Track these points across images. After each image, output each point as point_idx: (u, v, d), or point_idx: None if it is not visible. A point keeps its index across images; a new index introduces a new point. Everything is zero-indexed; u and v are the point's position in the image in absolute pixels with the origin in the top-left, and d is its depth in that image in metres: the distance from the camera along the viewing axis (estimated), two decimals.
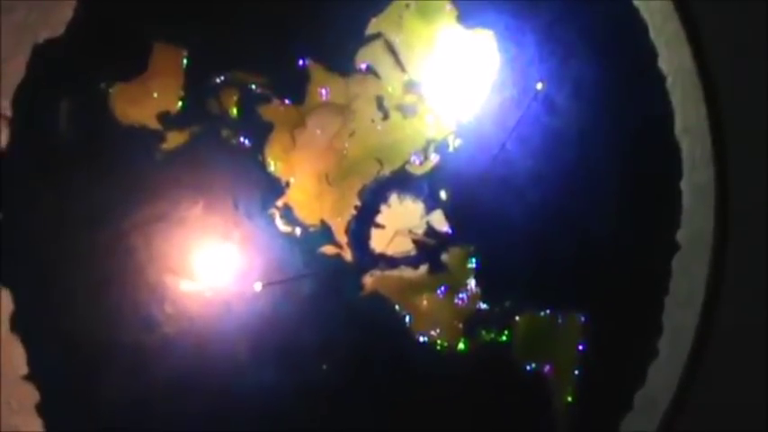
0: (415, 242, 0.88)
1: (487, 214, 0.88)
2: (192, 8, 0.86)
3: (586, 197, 0.88)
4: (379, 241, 0.88)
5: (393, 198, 0.89)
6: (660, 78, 0.87)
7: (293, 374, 0.86)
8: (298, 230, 0.87)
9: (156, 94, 0.86)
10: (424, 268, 0.88)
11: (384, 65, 0.87)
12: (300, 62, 0.87)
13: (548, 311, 0.89)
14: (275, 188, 0.87)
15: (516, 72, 0.88)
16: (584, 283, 0.89)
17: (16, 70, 0.84)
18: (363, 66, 0.87)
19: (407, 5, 0.87)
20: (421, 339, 0.88)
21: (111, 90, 0.86)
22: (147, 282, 0.85)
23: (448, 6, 0.87)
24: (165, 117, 0.86)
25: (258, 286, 0.86)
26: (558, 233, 0.88)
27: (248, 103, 0.87)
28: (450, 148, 0.88)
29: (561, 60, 0.88)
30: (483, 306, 0.89)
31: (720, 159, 0.86)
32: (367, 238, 0.88)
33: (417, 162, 0.88)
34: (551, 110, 0.88)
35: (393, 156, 0.88)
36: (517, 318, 0.89)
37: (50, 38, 0.84)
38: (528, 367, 0.89)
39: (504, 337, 0.89)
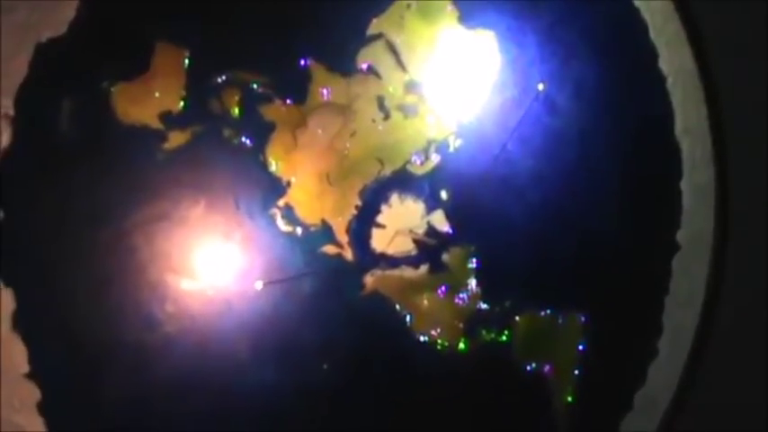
0: (416, 242, 0.88)
1: (488, 214, 0.89)
2: (194, 8, 0.86)
3: (587, 197, 0.88)
4: (379, 241, 0.88)
5: (394, 198, 0.89)
6: (661, 79, 0.87)
7: (294, 373, 0.86)
8: (299, 230, 0.88)
9: (157, 94, 0.86)
10: (424, 268, 0.89)
11: (385, 65, 0.88)
12: (302, 62, 0.87)
13: (548, 311, 0.89)
14: (276, 188, 0.87)
15: (517, 73, 0.88)
16: (585, 283, 0.89)
17: (19, 69, 0.84)
18: (365, 66, 0.87)
19: (409, 6, 0.87)
20: (421, 339, 0.89)
21: (113, 89, 0.86)
22: (148, 281, 0.86)
23: (449, 7, 0.88)
24: (166, 117, 0.86)
25: (259, 285, 0.86)
26: (559, 233, 0.88)
27: (250, 103, 0.87)
28: (451, 149, 0.88)
29: (562, 61, 0.88)
30: (483, 306, 0.89)
31: (721, 160, 0.86)
32: (368, 237, 0.88)
33: (418, 162, 0.88)
34: (552, 110, 0.88)
35: (394, 156, 0.88)
36: (517, 317, 0.89)
37: (53, 37, 0.85)
38: (528, 367, 0.89)
39: (504, 337, 0.89)
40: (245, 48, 0.87)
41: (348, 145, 0.88)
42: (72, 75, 0.86)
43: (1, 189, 0.84)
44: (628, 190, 0.89)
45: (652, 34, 0.88)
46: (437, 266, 0.89)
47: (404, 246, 0.88)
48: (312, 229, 0.88)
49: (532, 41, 0.88)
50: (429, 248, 0.88)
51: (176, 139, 0.87)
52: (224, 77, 0.87)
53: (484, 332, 0.89)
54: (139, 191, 0.86)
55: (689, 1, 0.85)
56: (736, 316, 0.86)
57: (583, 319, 0.89)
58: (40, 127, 0.85)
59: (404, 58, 0.88)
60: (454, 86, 0.88)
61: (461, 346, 0.89)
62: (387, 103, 0.88)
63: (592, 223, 0.89)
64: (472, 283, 0.89)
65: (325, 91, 0.87)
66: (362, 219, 0.88)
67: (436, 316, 0.89)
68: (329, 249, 0.88)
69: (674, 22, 0.86)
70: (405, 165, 0.88)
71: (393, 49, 0.87)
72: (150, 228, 0.86)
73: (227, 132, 0.87)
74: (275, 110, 0.88)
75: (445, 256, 0.89)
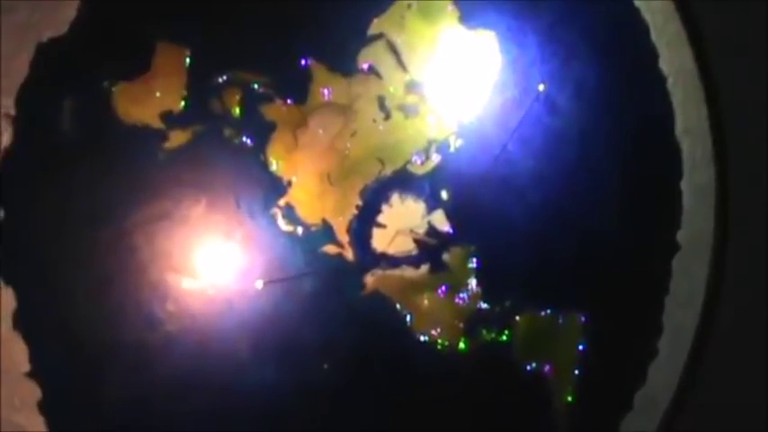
0: (417, 242, 0.88)
1: (488, 214, 0.89)
2: (195, 8, 0.86)
3: (587, 197, 0.88)
4: (380, 241, 0.88)
5: (394, 198, 0.89)
6: (661, 79, 0.87)
7: (294, 373, 0.86)
8: (299, 230, 0.88)
9: (158, 94, 0.86)
10: (425, 268, 0.89)
11: (386, 65, 0.88)
12: (303, 62, 0.87)
13: (548, 311, 0.89)
14: (277, 187, 0.88)
15: (518, 73, 0.88)
16: (585, 283, 0.89)
17: (20, 69, 0.84)
18: (365, 66, 0.87)
19: (409, 6, 0.87)
20: (422, 338, 0.89)
21: (114, 89, 0.86)
22: (149, 280, 0.86)
23: (450, 7, 0.88)
24: (167, 116, 0.87)
25: (260, 284, 0.86)
26: (559, 233, 0.89)
27: (251, 103, 0.87)
28: (452, 149, 0.88)
29: (563, 61, 0.88)
30: (483, 306, 0.89)
31: (721, 160, 0.87)
32: (368, 237, 0.88)
33: (419, 162, 0.89)
34: (553, 110, 0.88)
35: (395, 156, 0.88)
36: (517, 317, 0.89)
37: (54, 37, 0.85)
38: (528, 367, 0.89)
39: (504, 337, 0.89)
40: (245, 48, 0.87)
41: (349, 145, 0.88)
42: (73, 74, 0.86)
43: (2, 188, 0.84)
44: (628, 190, 0.89)
45: (653, 34, 0.88)
46: (437, 266, 0.89)
47: (404, 245, 0.88)
48: (313, 228, 0.88)
49: (533, 42, 0.88)
50: (429, 248, 0.89)
51: (177, 138, 0.87)
52: (225, 77, 0.87)
53: (484, 332, 0.89)
54: (140, 190, 0.86)
55: (690, 1, 0.85)
56: (736, 316, 0.86)
57: (583, 319, 0.89)
58: (42, 126, 0.86)
59: (404, 58, 0.88)
60: (455, 86, 0.88)
61: (462, 345, 0.89)
62: (387, 103, 0.88)
63: (592, 223, 0.89)
64: (472, 282, 0.89)
65: (325, 91, 0.88)
66: (363, 218, 0.88)
67: (436, 316, 0.89)
68: (330, 249, 0.88)
69: (675, 22, 0.86)
70: (405, 165, 0.88)
71: (394, 49, 0.88)
72: (151, 227, 0.86)
73: (227, 132, 0.87)
74: (276, 110, 0.88)
75: (446, 256, 0.89)
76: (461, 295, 0.89)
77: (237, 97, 0.87)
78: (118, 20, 0.86)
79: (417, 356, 0.88)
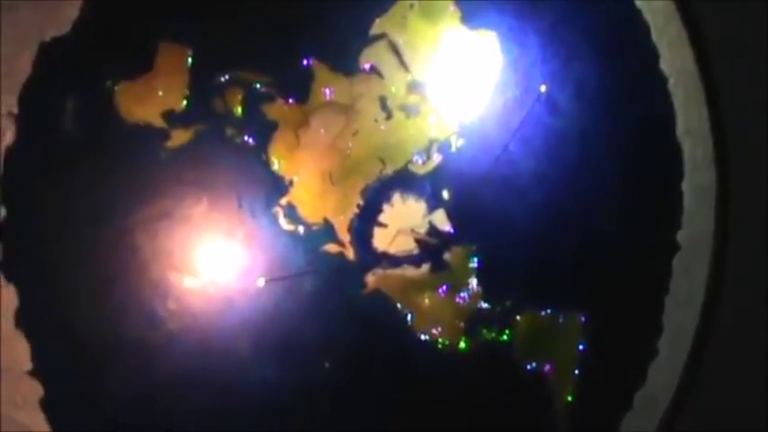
0: (418, 241, 0.89)
1: (489, 214, 0.89)
2: (198, 8, 0.87)
3: (588, 198, 0.89)
4: (381, 240, 0.89)
5: (396, 197, 0.89)
6: (662, 80, 0.87)
7: (295, 371, 0.86)
8: (301, 229, 0.88)
9: (161, 93, 0.87)
10: (425, 267, 0.89)
11: (388, 65, 0.88)
12: (305, 62, 0.87)
13: (548, 311, 0.89)
14: (279, 186, 0.88)
15: (519, 73, 0.88)
16: (585, 283, 0.89)
17: (23, 68, 0.85)
18: (367, 66, 0.88)
19: (411, 6, 0.88)
20: (422, 338, 0.89)
21: (116, 88, 0.86)
22: (150, 278, 0.86)
23: (451, 7, 0.88)
24: (169, 115, 0.87)
25: (261, 282, 0.87)
26: (560, 233, 0.89)
27: (253, 102, 0.87)
28: (453, 148, 0.88)
29: (564, 61, 0.88)
30: (484, 305, 0.89)
31: (722, 161, 0.87)
32: (369, 236, 0.89)
33: (420, 162, 0.89)
34: (554, 110, 0.88)
35: (396, 155, 0.88)
36: (518, 317, 0.89)
37: (56, 36, 0.85)
38: (528, 366, 0.89)
39: (504, 337, 0.89)
40: (247, 47, 0.87)
41: (350, 144, 0.88)
42: (76, 73, 0.86)
43: (4, 187, 0.84)
44: (629, 190, 0.89)
45: (654, 35, 0.88)
46: (438, 266, 0.89)
47: (405, 245, 0.89)
48: (314, 227, 0.88)
49: (534, 42, 0.88)
50: (430, 248, 0.89)
51: (179, 137, 0.87)
52: (227, 77, 0.87)
53: (485, 331, 0.89)
54: (142, 189, 0.87)
55: (691, 2, 0.86)
56: (736, 316, 0.86)
57: (583, 318, 0.89)
58: (44, 125, 0.86)
59: (406, 58, 0.88)
60: (456, 86, 0.88)
61: (462, 345, 0.89)
62: (389, 102, 0.88)
63: (593, 223, 0.89)
64: (473, 282, 0.89)
65: (327, 90, 0.88)
66: (364, 218, 0.89)
67: (437, 315, 0.89)
68: (331, 248, 0.88)
69: (676, 23, 0.86)
70: (407, 164, 0.89)
71: (395, 50, 0.88)
72: (153, 226, 0.86)
73: (229, 131, 0.87)
74: (278, 109, 0.88)
75: (446, 256, 0.89)
76: (462, 295, 0.89)
77: (239, 97, 0.87)
78: (120, 19, 0.86)
79: (418, 355, 0.88)
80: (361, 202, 0.89)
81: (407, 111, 0.88)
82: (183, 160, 0.87)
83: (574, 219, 0.88)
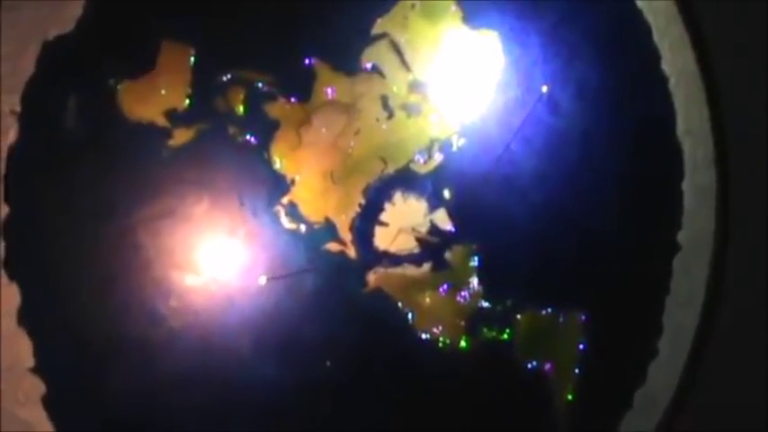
0: (419, 240, 0.89)
1: (490, 213, 0.89)
2: (200, 8, 0.87)
3: (589, 197, 0.89)
4: (382, 239, 0.89)
5: (397, 196, 0.89)
6: (663, 80, 0.88)
7: (296, 369, 0.87)
8: (302, 227, 0.88)
9: (163, 92, 0.87)
10: (426, 266, 0.89)
11: (389, 64, 0.88)
12: (307, 61, 0.88)
13: (549, 310, 0.89)
14: (280, 185, 0.88)
15: (520, 73, 0.89)
16: (586, 283, 0.89)
17: (26, 66, 0.85)
18: (369, 65, 0.88)
19: (413, 6, 0.88)
20: (423, 336, 0.89)
21: (119, 87, 0.86)
22: (152, 276, 0.86)
23: (453, 7, 0.88)
24: (172, 114, 0.87)
25: (262, 280, 0.87)
26: (561, 233, 0.89)
27: (255, 101, 0.88)
28: (454, 148, 0.89)
29: (565, 61, 0.88)
30: (485, 304, 0.89)
31: (722, 162, 0.87)
32: (371, 235, 0.89)
33: (421, 161, 0.89)
34: (555, 110, 0.89)
35: (397, 154, 0.89)
36: (519, 316, 0.89)
37: (60, 34, 0.85)
38: (529, 365, 0.89)
39: (505, 336, 0.89)
40: (250, 47, 0.88)
41: (352, 143, 0.88)
42: (78, 72, 0.86)
43: (7, 185, 0.85)
44: (629, 190, 0.89)
45: (655, 36, 0.88)
46: (439, 265, 0.89)
47: (406, 244, 0.89)
48: (315, 226, 0.88)
49: (536, 42, 0.88)
50: (431, 247, 0.89)
51: (181, 136, 0.87)
52: (229, 76, 0.88)
53: (485, 330, 0.89)
54: (144, 187, 0.87)
55: (692, 3, 0.86)
56: (736, 316, 0.86)
57: (583, 318, 0.89)
58: (46, 124, 0.86)
59: (408, 57, 0.88)
60: (458, 86, 0.88)
61: (463, 343, 0.89)
62: (391, 102, 0.88)
63: (593, 223, 0.89)
64: (474, 281, 0.89)
65: (329, 90, 0.88)
66: (366, 217, 0.89)
67: (438, 314, 0.89)
68: (332, 247, 0.88)
69: (678, 24, 0.86)
70: (408, 163, 0.89)
71: (397, 49, 0.88)
72: (155, 224, 0.87)
73: (231, 130, 0.88)
74: (280, 108, 0.88)
75: (447, 255, 0.89)
76: (463, 294, 0.89)
77: (241, 96, 0.88)
78: (123, 18, 0.86)
79: (418, 354, 0.89)
80: (362, 201, 0.89)
81: (409, 110, 0.88)
82: (184, 159, 0.87)
83: (574, 218, 0.89)
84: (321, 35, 0.87)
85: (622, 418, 0.87)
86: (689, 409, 0.87)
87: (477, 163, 0.88)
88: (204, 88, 0.87)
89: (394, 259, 0.89)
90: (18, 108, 0.85)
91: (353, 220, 0.89)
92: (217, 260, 0.87)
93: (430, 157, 0.89)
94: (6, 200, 0.85)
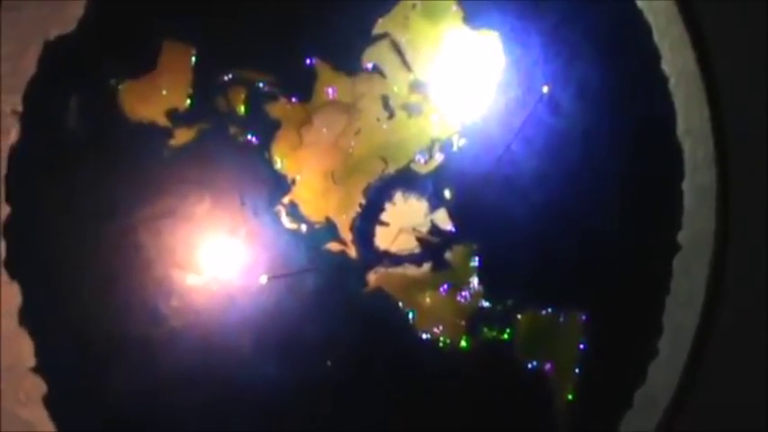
0: (419, 240, 0.89)
1: (491, 213, 0.89)
2: (202, 7, 0.87)
3: (589, 197, 0.89)
4: (383, 239, 0.89)
5: (398, 196, 0.89)
6: (663, 80, 0.88)
7: (296, 368, 0.87)
8: (303, 227, 0.88)
9: (164, 92, 0.87)
10: (427, 266, 0.89)
11: (390, 64, 0.88)
12: (308, 61, 0.88)
13: (549, 310, 0.90)
14: (281, 185, 0.88)
15: (521, 73, 0.89)
16: (586, 283, 0.89)
17: (27, 66, 0.85)
18: (370, 65, 0.88)
19: (414, 6, 0.88)
20: (423, 336, 0.89)
21: (120, 87, 0.86)
22: (154, 276, 0.86)
23: (454, 7, 0.88)
24: (173, 114, 0.87)
25: (263, 280, 0.87)
26: (561, 233, 0.89)
27: (256, 101, 0.88)
28: (455, 148, 0.89)
29: (566, 61, 0.88)
30: (485, 304, 0.90)
31: (722, 162, 0.87)
32: (371, 235, 0.89)
33: (422, 161, 0.89)
34: (556, 110, 0.89)
35: (398, 154, 0.89)
36: (519, 316, 0.89)
37: (61, 34, 0.85)
38: (529, 365, 0.90)
39: (505, 335, 0.89)
40: (251, 47, 0.88)
41: (353, 143, 0.88)
42: (80, 72, 0.86)
43: (8, 185, 0.85)
44: (630, 190, 0.89)
45: (655, 36, 0.88)
46: (440, 264, 0.89)
47: (407, 244, 0.89)
48: (316, 226, 0.88)
49: (536, 42, 0.88)
50: (432, 246, 0.89)
51: (183, 136, 0.87)
52: (230, 76, 0.88)
53: (485, 330, 0.89)
54: (145, 187, 0.87)
55: (692, 3, 0.86)
56: (736, 316, 0.86)
57: (584, 318, 0.89)
58: (48, 124, 0.86)
59: (409, 57, 0.88)
60: (458, 86, 0.89)
61: (463, 343, 0.89)
62: (391, 102, 0.88)
63: (594, 223, 0.89)
64: (474, 281, 0.89)
65: (330, 90, 0.88)
66: (366, 217, 0.89)
67: (438, 313, 0.89)
68: (333, 247, 0.88)
69: (678, 24, 0.87)
70: (409, 163, 0.89)
71: (398, 49, 0.88)
72: (156, 224, 0.87)
73: (233, 130, 0.88)
74: (281, 108, 0.88)
75: (448, 255, 0.89)
76: (463, 293, 0.90)
77: (243, 95, 0.88)
78: (124, 18, 0.86)
79: (419, 354, 0.89)
80: (363, 201, 0.89)
81: (409, 110, 0.88)
82: (186, 159, 0.87)
83: (575, 218, 0.89)
84: (322, 35, 0.88)
85: (622, 418, 0.88)
86: (689, 409, 0.87)
87: (477, 163, 0.88)
88: (205, 88, 0.87)
89: (394, 259, 0.89)
90: (19, 108, 0.85)
91: (354, 220, 0.89)
92: (218, 260, 0.87)
93: (431, 157, 0.89)
94: (8, 200, 0.85)
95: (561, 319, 0.89)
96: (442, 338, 0.89)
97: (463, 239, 0.89)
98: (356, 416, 0.88)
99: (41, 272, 0.85)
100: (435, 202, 0.89)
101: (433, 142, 0.89)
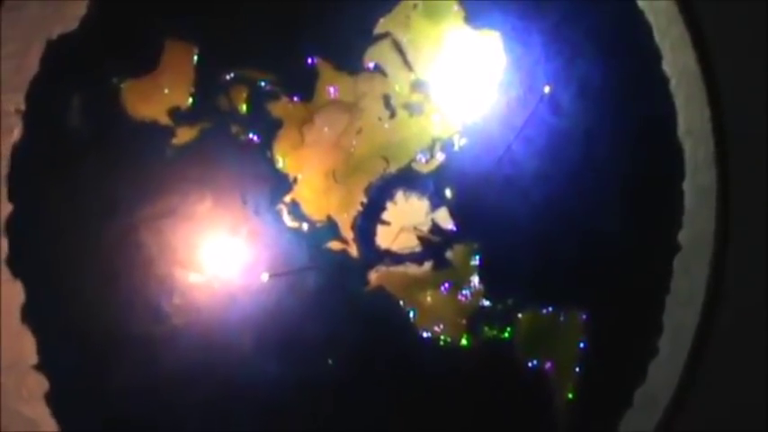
0: (420, 239, 0.89)
1: (492, 213, 0.89)
2: (203, 6, 0.87)
3: (589, 197, 0.89)
4: (384, 238, 0.89)
5: (399, 195, 0.89)
6: (664, 80, 0.88)
7: (297, 366, 0.87)
8: (305, 226, 0.88)
9: (166, 90, 0.87)
10: (428, 265, 0.89)
11: (391, 64, 0.88)
12: (309, 60, 0.88)
13: (550, 309, 0.90)
14: (283, 184, 0.88)
15: (522, 72, 0.89)
16: (587, 282, 0.89)
17: (30, 65, 0.85)
18: (371, 64, 0.88)
19: (415, 6, 0.88)
20: (424, 335, 0.89)
21: (122, 85, 0.87)
22: (156, 274, 0.86)
23: (455, 7, 0.88)
24: (175, 113, 0.87)
25: (265, 277, 0.87)
26: (562, 232, 0.89)
27: (257, 100, 0.88)
28: (456, 147, 0.89)
29: (567, 60, 0.88)
30: (486, 303, 0.90)
31: (723, 162, 0.87)
32: (373, 234, 0.89)
33: (423, 160, 0.89)
34: (557, 110, 0.89)
35: (399, 154, 0.89)
36: (519, 315, 0.90)
37: (63, 33, 0.85)
38: (530, 364, 0.90)
39: (506, 334, 0.90)
40: (253, 46, 0.88)
41: (354, 142, 0.89)
42: (82, 71, 0.86)
43: (11, 183, 0.85)
44: (630, 190, 0.89)
45: (656, 36, 0.88)
46: (441, 263, 0.89)
47: (408, 242, 0.89)
48: (318, 225, 0.88)
49: (537, 41, 0.88)
50: (433, 245, 0.89)
51: (184, 135, 0.87)
52: (232, 75, 0.88)
53: (486, 329, 0.90)
54: (147, 186, 0.87)
55: (693, 3, 0.86)
56: (736, 316, 0.86)
57: (584, 317, 0.89)
58: (51, 122, 0.86)
59: (410, 57, 0.88)
60: (460, 86, 0.89)
61: (464, 342, 0.89)
62: (393, 101, 0.88)
63: (594, 223, 0.89)
64: (475, 280, 0.90)
65: (332, 89, 0.88)
66: (368, 216, 0.89)
67: (439, 312, 0.89)
68: (334, 245, 0.89)
69: (678, 24, 0.87)
70: (410, 163, 0.89)
71: (399, 49, 0.88)
72: (158, 222, 0.87)
73: (234, 129, 0.88)
74: (282, 107, 0.88)
75: (449, 254, 0.89)
76: (464, 292, 0.90)
77: (244, 94, 0.88)
78: (127, 17, 0.86)
79: (420, 352, 0.89)
80: (364, 200, 0.89)
81: (411, 109, 0.89)
82: (188, 157, 0.87)
83: (575, 218, 0.89)
84: (324, 34, 0.88)
85: (622, 417, 0.88)
86: (689, 408, 0.87)
87: (478, 162, 0.89)
88: (207, 87, 0.87)
89: (395, 258, 0.89)
90: (22, 107, 0.85)
91: (355, 219, 0.89)
92: (219, 258, 0.87)
93: (432, 156, 0.89)
94: (10, 198, 0.85)
95: (562, 318, 0.90)
96: (442, 337, 0.89)
97: (464, 238, 0.89)
98: (357, 414, 0.88)
99: (44, 270, 0.86)
100: (436, 201, 0.89)
101: (434, 141, 0.89)
